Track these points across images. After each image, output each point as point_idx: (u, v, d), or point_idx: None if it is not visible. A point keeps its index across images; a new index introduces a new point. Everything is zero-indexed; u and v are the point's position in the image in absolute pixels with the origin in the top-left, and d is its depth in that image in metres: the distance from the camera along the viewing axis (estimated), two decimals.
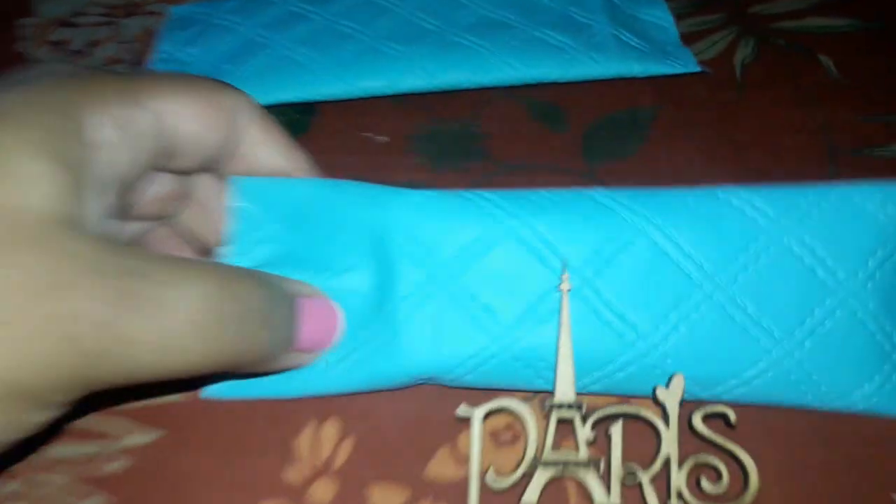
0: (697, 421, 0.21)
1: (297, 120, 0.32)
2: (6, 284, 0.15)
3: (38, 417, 0.17)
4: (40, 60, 0.36)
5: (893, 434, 0.23)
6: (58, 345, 0.16)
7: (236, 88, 0.22)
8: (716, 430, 0.21)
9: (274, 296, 0.20)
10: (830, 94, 0.33)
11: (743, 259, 0.22)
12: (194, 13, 0.36)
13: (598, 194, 0.23)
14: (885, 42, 0.36)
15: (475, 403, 0.21)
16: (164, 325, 0.17)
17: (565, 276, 0.22)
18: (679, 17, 0.37)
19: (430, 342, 0.22)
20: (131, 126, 0.19)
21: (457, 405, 0.21)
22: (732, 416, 0.21)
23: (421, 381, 0.23)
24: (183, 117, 0.20)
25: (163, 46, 0.35)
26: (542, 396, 0.22)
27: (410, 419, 0.23)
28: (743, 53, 0.35)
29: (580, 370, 0.21)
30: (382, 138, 0.31)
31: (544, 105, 0.32)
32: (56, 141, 0.17)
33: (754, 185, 0.23)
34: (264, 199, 0.22)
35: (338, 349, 0.22)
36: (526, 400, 0.21)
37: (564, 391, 0.21)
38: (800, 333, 0.22)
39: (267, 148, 0.22)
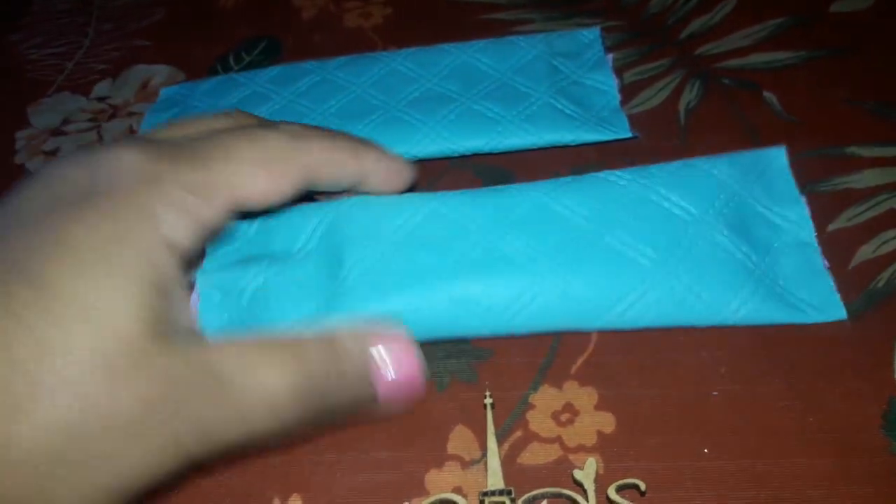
0: (612, 492, 0.25)
1: None
2: (119, 410, 0.18)
3: None
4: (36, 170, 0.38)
5: (818, 471, 0.25)
6: (165, 449, 0.19)
7: (309, 139, 0.24)
8: (631, 499, 0.25)
9: (343, 359, 0.22)
10: (774, 132, 0.35)
11: (618, 210, 0.28)
12: (178, 94, 0.39)
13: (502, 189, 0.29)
14: (828, 72, 0.37)
15: (421, 495, 0.25)
16: (246, 415, 0.20)
17: (488, 393, 0.26)
18: (627, 66, 0.38)
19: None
20: (206, 216, 0.21)
21: (406, 471, 0.25)
22: (642, 485, 0.25)
23: None
24: (252, 189, 0.22)
25: (143, 126, 0.37)
26: (477, 488, 0.25)
27: (366, 489, 0.26)
28: (687, 98, 0.37)
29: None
30: None
31: (493, 170, 0.34)
32: (144, 262, 0.19)
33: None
34: None
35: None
36: (464, 496, 0.25)
37: (495, 482, 0.24)
38: (673, 257, 0.27)
39: (330, 180, 0.25)
